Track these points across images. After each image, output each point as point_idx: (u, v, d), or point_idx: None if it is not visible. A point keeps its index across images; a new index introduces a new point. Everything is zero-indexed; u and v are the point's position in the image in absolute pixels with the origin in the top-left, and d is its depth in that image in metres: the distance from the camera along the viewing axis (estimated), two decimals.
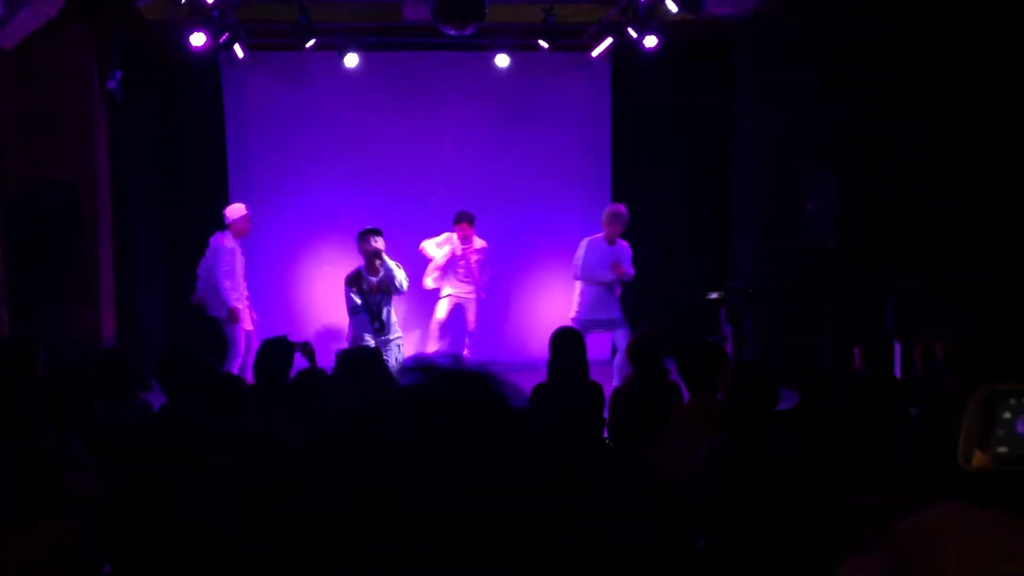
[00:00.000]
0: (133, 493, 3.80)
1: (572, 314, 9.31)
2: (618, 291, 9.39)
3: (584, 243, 9.46)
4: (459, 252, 10.12)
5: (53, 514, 3.18)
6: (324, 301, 10.71)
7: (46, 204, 8.95)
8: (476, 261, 10.17)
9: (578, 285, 9.45)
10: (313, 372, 5.36)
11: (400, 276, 8.59)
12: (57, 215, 8.99)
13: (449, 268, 10.15)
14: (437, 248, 10.13)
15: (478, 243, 10.19)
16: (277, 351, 5.73)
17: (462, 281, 10.21)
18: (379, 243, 8.59)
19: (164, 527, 3.63)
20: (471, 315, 10.36)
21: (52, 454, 3.92)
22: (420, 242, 10.44)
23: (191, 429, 4.03)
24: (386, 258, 8.58)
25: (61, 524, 3.18)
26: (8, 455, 3.20)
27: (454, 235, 10.12)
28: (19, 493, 3.16)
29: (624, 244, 9.46)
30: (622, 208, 9.45)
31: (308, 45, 9.98)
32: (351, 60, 10.30)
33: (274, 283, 10.78)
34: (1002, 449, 1.23)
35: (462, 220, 10.02)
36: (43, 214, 8.94)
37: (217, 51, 9.91)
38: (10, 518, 3.11)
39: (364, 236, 8.65)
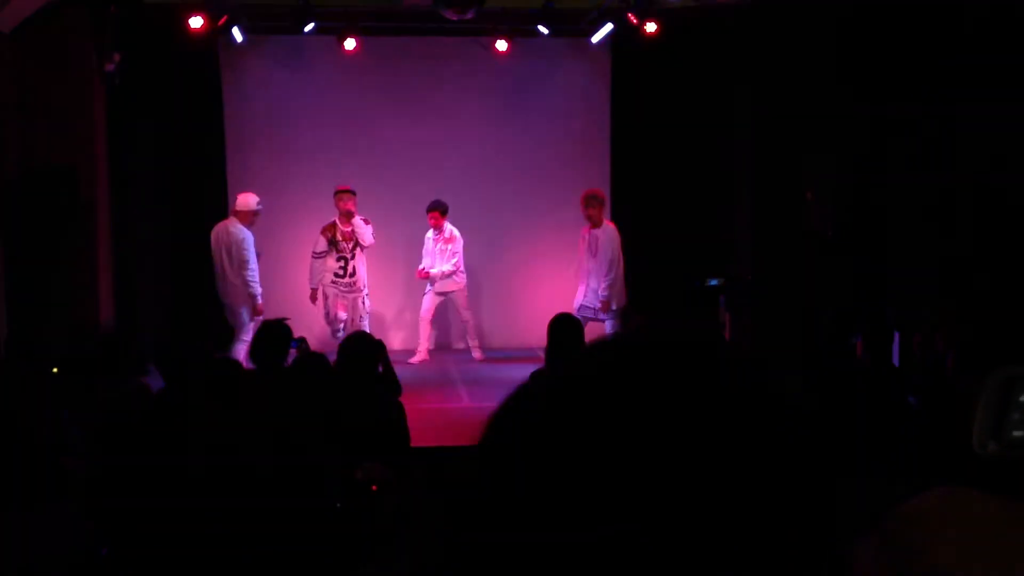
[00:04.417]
0: (129, 476, 3.78)
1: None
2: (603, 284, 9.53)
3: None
4: (430, 244, 10.17)
5: (50, 499, 3.17)
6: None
7: (44, 188, 8.92)
8: (441, 250, 10.17)
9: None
10: (311, 357, 5.35)
11: (367, 233, 9.73)
12: (55, 199, 8.96)
13: (426, 257, 10.25)
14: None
15: (448, 230, 10.19)
16: (275, 334, 5.72)
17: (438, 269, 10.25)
18: (351, 204, 9.70)
19: (160, 510, 3.62)
20: (461, 306, 10.34)
21: (49, 438, 3.91)
22: (416, 225, 10.47)
23: (189, 412, 4.02)
24: (357, 219, 9.68)
25: (58, 508, 3.17)
26: (7, 439, 3.19)
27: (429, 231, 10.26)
28: (17, 477, 3.15)
29: (608, 227, 9.57)
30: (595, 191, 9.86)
31: (307, 29, 9.94)
32: (350, 44, 10.25)
33: (271, 266, 10.74)
34: (1018, 434, 1.22)
35: (433, 209, 10.05)
36: (41, 198, 8.90)
37: (216, 34, 9.87)
38: (8, 502, 3.10)
39: (339, 195, 9.74)
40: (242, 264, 9.22)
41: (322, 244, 9.81)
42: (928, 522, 0.92)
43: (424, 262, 10.24)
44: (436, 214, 10.07)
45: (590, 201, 9.59)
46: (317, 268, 9.83)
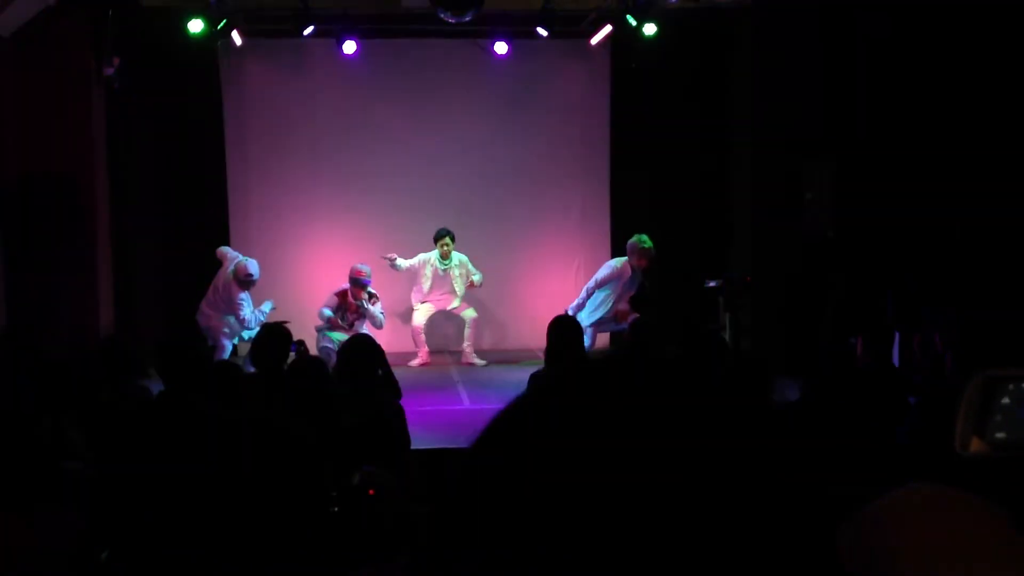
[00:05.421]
0: (131, 479, 3.79)
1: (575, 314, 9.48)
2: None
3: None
4: (439, 272, 10.19)
5: (50, 502, 3.18)
6: (321, 288, 10.68)
7: (44, 192, 8.93)
8: (458, 276, 10.28)
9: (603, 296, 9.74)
10: (309, 360, 5.36)
11: (378, 319, 9.69)
12: (55, 203, 8.96)
13: (428, 285, 10.30)
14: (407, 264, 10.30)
15: (456, 259, 10.27)
16: (275, 337, 5.73)
17: (443, 293, 10.35)
18: (362, 294, 9.62)
19: (162, 513, 3.62)
20: (466, 311, 10.38)
21: (49, 442, 3.92)
22: (414, 226, 10.49)
23: (189, 415, 4.03)
24: (367, 307, 9.62)
25: (58, 512, 3.18)
26: (4, 443, 3.20)
27: (433, 252, 10.21)
28: (16, 481, 3.15)
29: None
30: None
31: (306, 32, 9.95)
32: (349, 47, 10.26)
33: (271, 269, 10.75)
34: (1000, 435, 1.23)
35: (448, 235, 10.11)
36: (41, 202, 8.91)
37: (215, 38, 9.87)
38: (7, 506, 3.11)
39: (354, 281, 9.62)
40: (239, 321, 9.42)
41: (332, 301, 9.72)
42: (898, 520, 0.93)
43: (424, 287, 10.31)
44: (448, 240, 10.14)
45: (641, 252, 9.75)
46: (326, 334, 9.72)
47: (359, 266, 9.65)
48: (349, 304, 9.68)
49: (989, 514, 0.91)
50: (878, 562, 0.91)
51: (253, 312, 9.36)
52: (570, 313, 9.69)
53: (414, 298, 10.41)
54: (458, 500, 0.77)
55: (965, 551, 0.88)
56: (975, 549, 0.89)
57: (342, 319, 9.73)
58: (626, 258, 9.75)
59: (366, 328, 9.55)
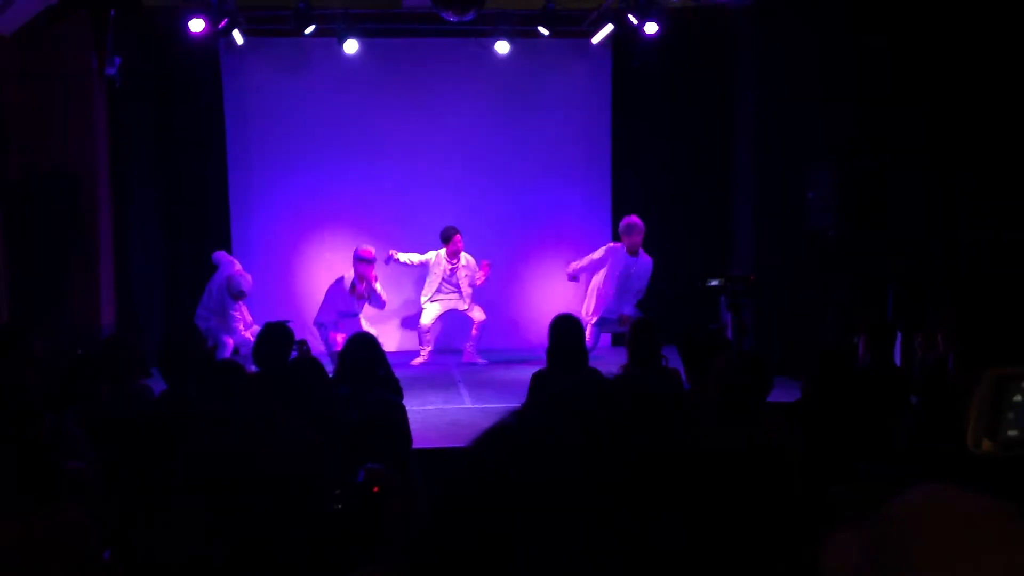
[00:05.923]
0: (133, 478, 3.79)
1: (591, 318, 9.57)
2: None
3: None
4: (447, 270, 10.21)
5: (51, 501, 3.17)
6: (323, 287, 10.69)
7: (46, 191, 8.93)
8: (465, 277, 10.29)
9: (594, 286, 9.83)
10: (310, 359, 5.35)
11: (382, 299, 9.89)
12: (57, 202, 8.96)
13: (437, 284, 10.34)
14: (419, 258, 10.32)
15: (464, 259, 10.28)
16: (278, 335, 5.73)
17: (451, 293, 10.35)
18: (372, 271, 9.76)
19: (164, 512, 3.62)
20: (474, 312, 10.39)
21: (50, 441, 3.91)
22: (415, 226, 10.50)
23: (191, 414, 4.02)
24: (375, 286, 9.78)
25: (59, 511, 3.17)
26: (5, 442, 3.19)
27: (441, 251, 10.21)
28: (16, 480, 3.15)
29: (646, 259, 9.95)
30: (635, 219, 9.94)
31: (307, 31, 9.95)
32: (350, 47, 10.26)
33: (272, 269, 10.76)
34: (1012, 433, 1.22)
35: (457, 232, 10.10)
36: (43, 201, 8.91)
37: (216, 37, 9.88)
38: (7, 505, 3.10)
39: (360, 259, 9.73)
40: (230, 329, 9.52)
41: (339, 302, 9.82)
42: (912, 520, 0.92)
43: (433, 286, 10.32)
44: (459, 237, 10.14)
45: (640, 230, 9.87)
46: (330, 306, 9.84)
47: (364, 246, 9.78)
48: (356, 290, 9.77)
49: (1001, 512, 0.90)
50: (893, 563, 0.90)
51: (245, 333, 9.43)
52: (569, 272, 10.13)
53: (423, 297, 10.40)
54: (456, 501, 0.80)
55: (979, 550, 0.88)
56: (989, 548, 0.88)
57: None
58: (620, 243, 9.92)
59: (366, 325, 9.56)
